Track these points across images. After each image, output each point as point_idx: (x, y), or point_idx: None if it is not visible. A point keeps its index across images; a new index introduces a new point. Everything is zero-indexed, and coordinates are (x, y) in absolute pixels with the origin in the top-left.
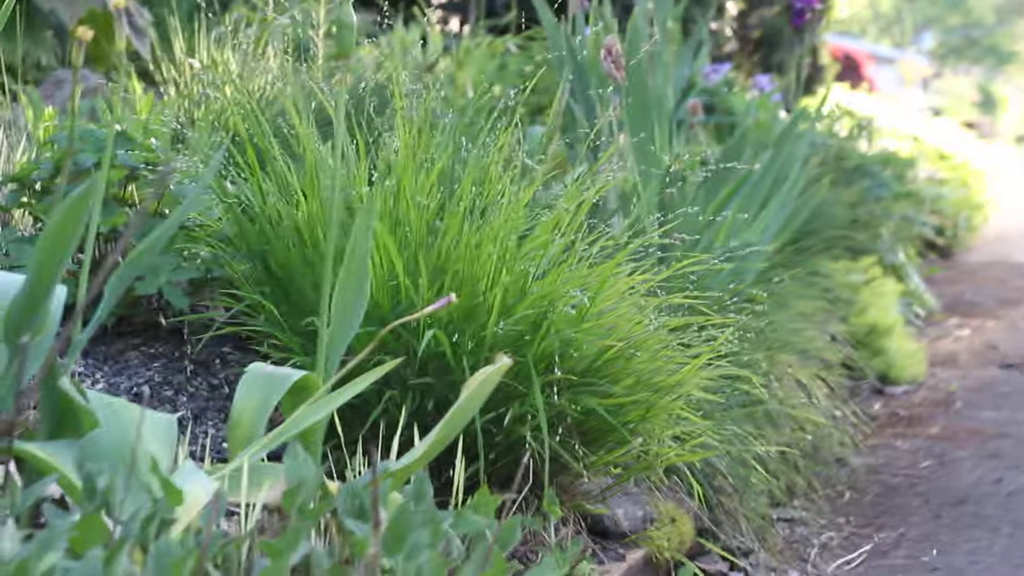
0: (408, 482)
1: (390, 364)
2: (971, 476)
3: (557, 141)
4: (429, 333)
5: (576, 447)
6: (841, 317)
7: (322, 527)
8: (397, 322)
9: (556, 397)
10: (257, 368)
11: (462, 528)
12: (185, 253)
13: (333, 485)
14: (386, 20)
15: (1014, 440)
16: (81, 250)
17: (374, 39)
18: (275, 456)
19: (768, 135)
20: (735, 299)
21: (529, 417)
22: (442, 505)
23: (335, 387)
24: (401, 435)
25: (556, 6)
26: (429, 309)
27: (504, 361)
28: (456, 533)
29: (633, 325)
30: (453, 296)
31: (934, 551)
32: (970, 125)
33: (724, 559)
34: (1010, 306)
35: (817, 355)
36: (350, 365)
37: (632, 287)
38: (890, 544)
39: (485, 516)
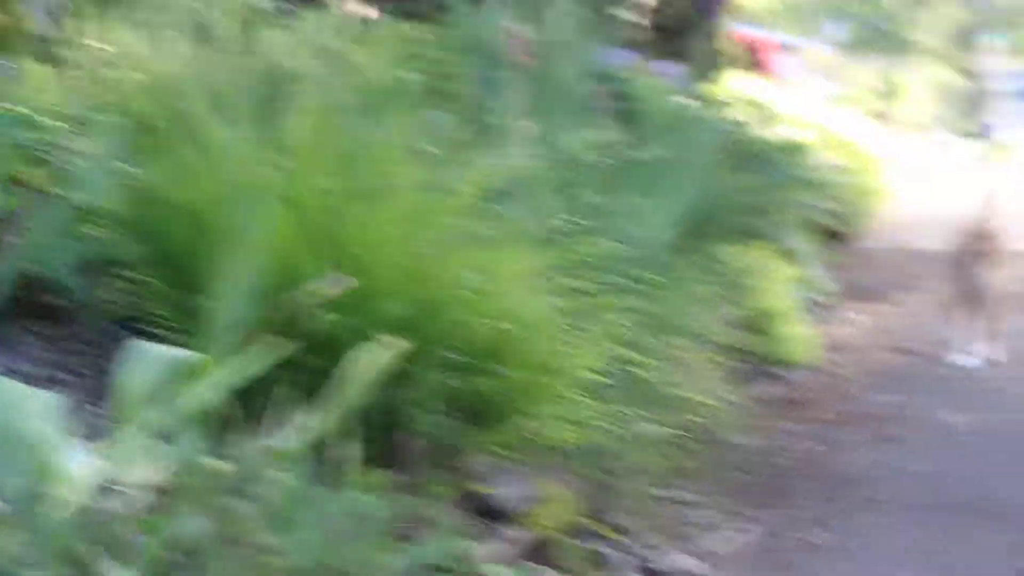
0: (297, 461)
1: (283, 347)
2: (862, 459)
3: (463, 127)
4: (324, 314)
5: (466, 427)
6: (737, 302)
7: (209, 506)
8: (291, 303)
9: (448, 378)
10: (142, 347)
11: (349, 507)
12: (82, 236)
13: (222, 465)
14: (296, 5)
15: (905, 424)
16: None
17: (283, 24)
18: (166, 436)
19: (671, 122)
20: (632, 283)
21: (421, 398)
22: (331, 484)
23: (227, 367)
24: (293, 416)
25: None
26: (324, 290)
27: (394, 341)
28: (343, 512)
29: (527, 308)
30: (347, 278)
31: (823, 532)
32: (871, 113)
33: (610, 539)
34: (905, 291)
35: (712, 339)
36: (243, 344)
37: (528, 271)
38: (779, 525)
39: (373, 495)
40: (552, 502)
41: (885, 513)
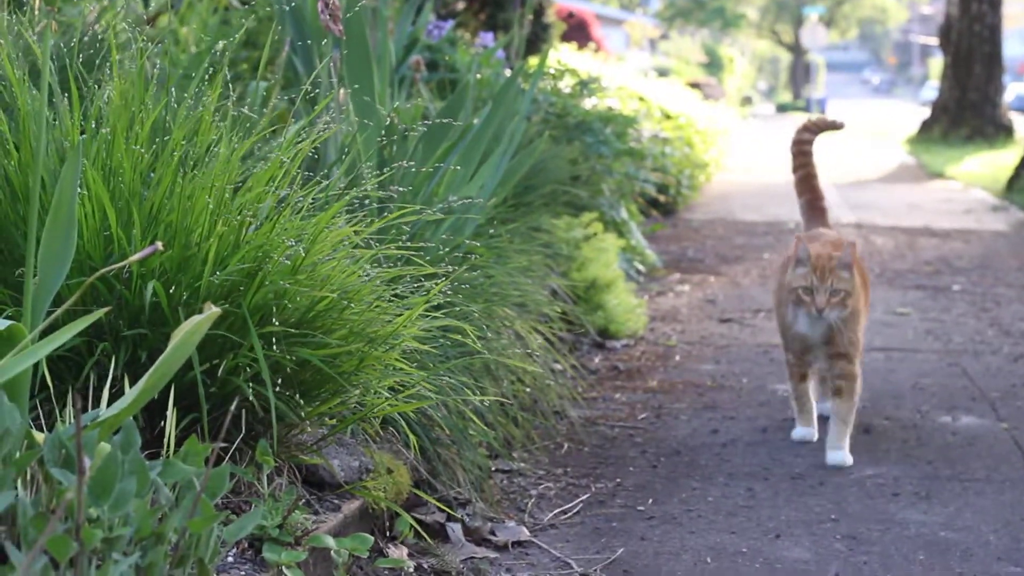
0: (118, 431)
1: (97, 313)
2: (688, 427)
3: (278, 96)
4: (143, 283)
5: (292, 398)
6: (562, 272)
7: (28, 477)
8: (105, 270)
9: (272, 348)
10: None
11: (171, 477)
12: None
13: (40, 436)
14: None
15: (730, 392)
16: None
17: None
18: None
19: (490, 92)
20: (453, 252)
21: (245, 368)
22: (157, 456)
23: (43, 337)
24: (113, 386)
25: None
26: (136, 257)
27: (213, 310)
28: (165, 482)
29: (347, 276)
30: (159, 244)
31: (650, 500)
32: (696, 86)
33: (441, 510)
34: (730, 263)
35: (536, 309)
36: (56, 314)
37: (347, 238)
38: (607, 494)
39: (195, 465)
40: (384, 473)
41: (711, 481)
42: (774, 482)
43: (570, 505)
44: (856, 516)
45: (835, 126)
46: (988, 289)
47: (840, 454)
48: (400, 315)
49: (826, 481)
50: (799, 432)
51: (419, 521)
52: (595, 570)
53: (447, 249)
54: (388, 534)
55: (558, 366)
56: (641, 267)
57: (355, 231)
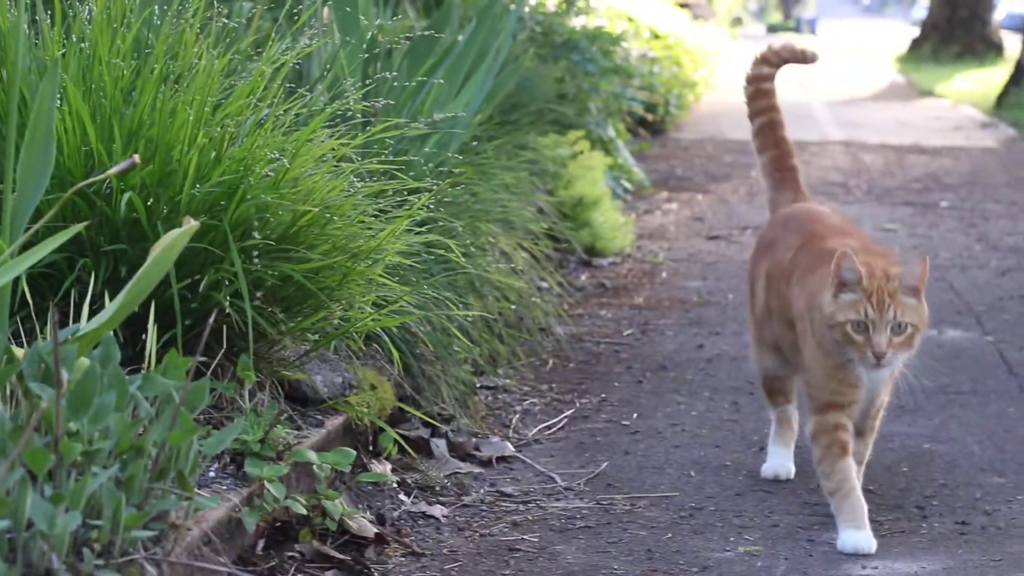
0: (98, 345)
1: (76, 227)
2: (673, 343)
3: (263, 14)
4: (124, 197)
5: (274, 313)
6: (548, 190)
7: (8, 393)
8: (83, 183)
9: (253, 262)
10: None
11: (151, 390)
12: None
13: (20, 351)
14: None
15: (716, 308)
16: None
17: None
18: None
19: (475, 9)
20: (438, 168)
21: (226, 283)
22: (137, 372)
23: (22, 252)
24: (94, 303)
25: None
26: (113, 170)
27: (192, 223)
28: (145, 396)
29: (330, 191)
30: (136, 157)
31: (635, 415)
32: (685, 6)
33: (426, 425)
34: (719, 181)
35: (522, 226)
36: (34, 228)
37: (330, 153)
38: (592, 409)
39: (175, 379)
40: (367, 389)
41: (695, 395)
42: (758, 396)
43: (555, 420)
44: None
45: (805, 58)
46: (976, 205)
47: (864, 536)
48: (383, 230)
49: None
50: (772, 463)
51: (403, 437)
52: (579, 484)
53: (432, 165)
54: (372, 450)
55: (544, 283)
56: (628, 185)
57: (339, 145)
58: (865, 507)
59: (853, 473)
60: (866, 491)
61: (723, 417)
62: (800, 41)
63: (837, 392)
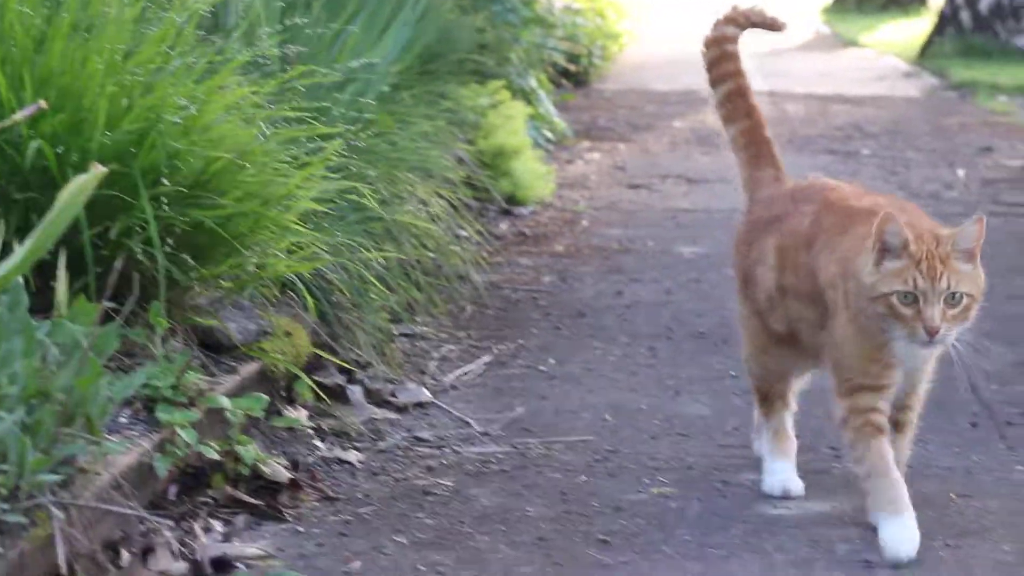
0: (6, 291)
1: None
2: (592, 290)
3: None
4: (33, 145)
5: (186, 260)
6: (468, 139)
7: None
8: None
9: (165, 209)
10: None
11: (59, 337)
12: None
13: None
14: None
15: (636, 255)
16: None
17: None
18: None
19: None
20: (355, 117)
21: (138, 230)
22: (43, 314)
23: None
24: (5, 251)
25: None
26: (19, 116)
27: (99, 168)
28: (54, 342)
29: (243, 137)
30: (43, 103)
31: (552, 361)
32: None
33: (342, 372)
34: (641, 131)
35: (440, 174)
36: None
37: (244, 99)
38: (509, 355)
39: (84, 325)
40: (282, 336)
41: (613, 341)
42: (676, 341)
43: (472, 366)
44: None
45: (775, 25)
46: (898, 153)
47: (906, 525)
48: (296, 177)
49: (729, 339)
50: (778, 479)
51: (319, 384)
52: (495, 429)
53: (348, 113)
54: (287, 397)
55: (463, 232)
56: (550, 135)
57: (252, 92)
58: (904, 488)
59: (890, 454)
60: None
61: (640, 362)
62: None
63: (871, 374)
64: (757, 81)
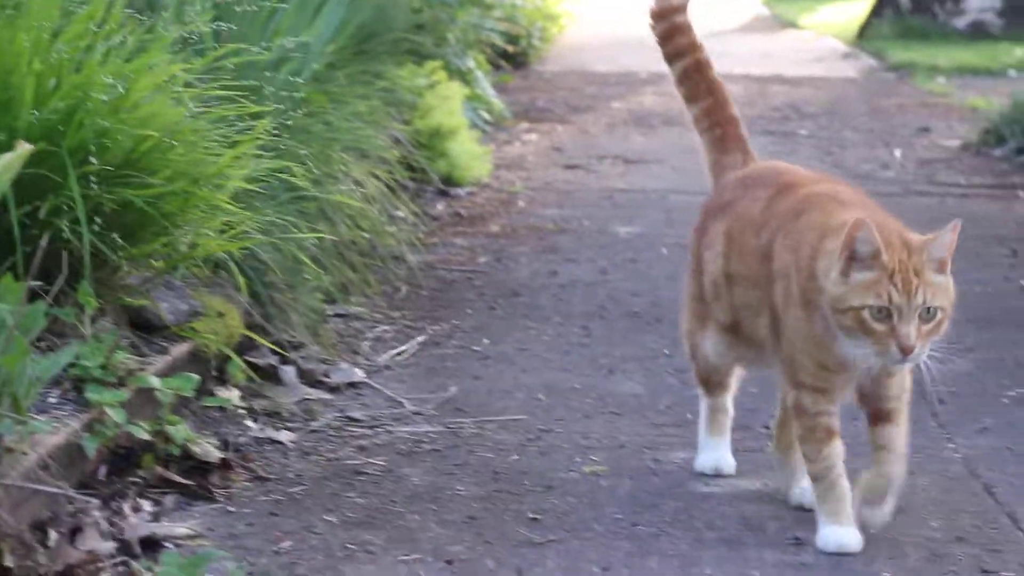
0: None
1: None
2: (527, 270)
3: None
4: None
5: (115, 240)
6: (404, 120)
7: None
8: None
9: (93, 188)
10: None
11: None
12: None
13: None
14: None
15: (572, 236)
16: None
17: None
18: None
19: None
20: (289, 96)
21: (66, 209)
22: None
23: None
24: None
25: None
26: None
27: (26, 147)
28: None
29: (172, 116)
30: None
31: (486, 340)
32: None
33: (275, 353)
34: (580, 112)
35: (376, 155)
36: None
37: (173, 78)
38: (443, 335)
39: (10, 304)
40: (214, 317)
41: (547, 321)
42: (611, 321)
43: (405, 347)
44: None
45: None
46: (835, 134)
47: (848, 533)
48: (227, 156)
49: (663, 318)
50: (710, 456)
51: (252, 364)
52: (428, 408)
53: (281, 92)
54: (220, 377)
55: (399, 212)
56: (488, 116)
57: (181, 71)
58: (850, 498)
59: (840, 460)
60: None
61: (573, 342)
62: None
63: (819, 376)
64: None
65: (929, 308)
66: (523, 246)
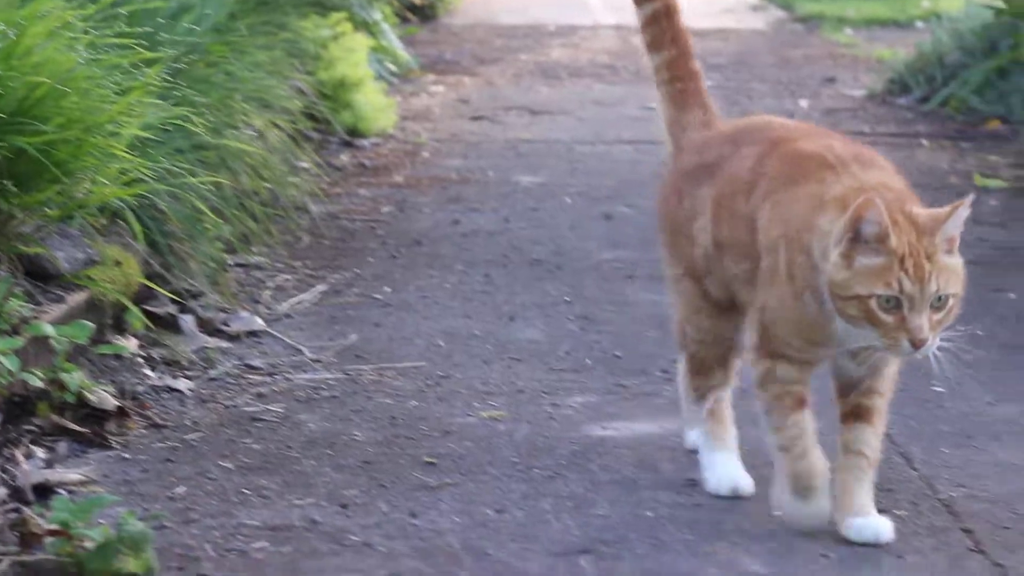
0: None
1: None
2: (430, 220)
3: None
4: None
5: (8, 187)
6: (308, 71)
7: None
8: None
9: None
10: None
11: None
12: None
13: None
14: None
15: (475, 185)
16: None
17: None
18: None
19: None
20: (188, 44)
21: None
22: None
23: None
24: None
25: None
26: None
27: None
28: None
29: (65, 63)
30: None
31: (387, 289)
32: None
33: (174, 302)
34: (487, 64)
35: (279, 105)
36: None
37: (67, 24)
38: (345, 284)
39: None
40: (112, 266)
41: (449, 269)
42: (512, 268)
43: (306, 296)
44: (591, 299)
45: None
46: (742, 84)
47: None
48: (122, 103)
49: (564, 266)
50: (722, 473)
51: (151, 313)
52: (327, 356)
53: (182, 39)
54: (118, 326)
55: (303, 163)
56: (394, 68)
57: (75, 17)
58: (824, 471)
59: (811, 428)
60: (612, 357)
61: (475, 289)
62: None
63: (798, 348)
64: (605, 15)
65: (941, 296)
66: (426, 196)
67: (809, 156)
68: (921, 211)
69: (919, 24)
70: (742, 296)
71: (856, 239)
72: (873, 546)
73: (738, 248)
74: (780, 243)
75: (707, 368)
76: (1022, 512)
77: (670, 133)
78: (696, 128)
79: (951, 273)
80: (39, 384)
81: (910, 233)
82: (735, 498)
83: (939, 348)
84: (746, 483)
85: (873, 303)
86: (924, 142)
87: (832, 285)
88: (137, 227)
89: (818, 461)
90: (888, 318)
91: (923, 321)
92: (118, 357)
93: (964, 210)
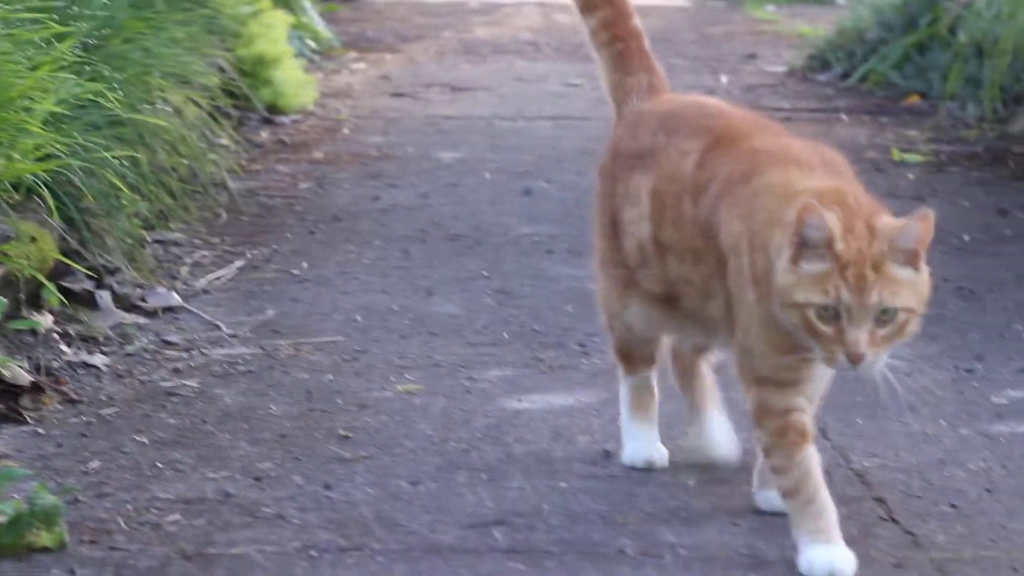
0: None
1: None
2: (349, 195)
3: None
4: None
5: None
6: (227, 47)
7: None
8: None
9: None
10: None
11: None
12: None
13: None
14: None
15: (395, 162)
16: None
17: None
18: None
19: None
20: (101, 19)
21: None
22: None
23: None
24: None
25: None
26: None
27: None
28: None
29: None
30: None
31: (305, 264)
32: None
33: (91, 278)
34: (410, 42)
35: (197, 82)
36: None
37: None
38: (262, 260)
39: None
40: (27, 242)
41: (367, 244)
42: (431, 244)
43: (224, 271)
44: (509, 273)
45: None
46: (662, 61)
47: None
48: (32, 78)
49: (483, 241)
50: (639, 445)
51: (67, 290)
52: (244, 331)
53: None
54: (34, 302)
55: (221, 139)
56: (314, 45)
57: None
58: (834, 511)
59: (817, 466)
60: (530, 331)
61: (393, 264)
62: None
63: (782, 367)
64: None
65: (887, 309)
66: (346, 172)
67: (768, 152)
68: (884, 219)
69: (840, 0)
70: (689, 302)
71: (802, 243)
72: (783, 515)
73: (686, 253)
74: (743, 242)
75: (633, 355)
76: (934, 482)
77: (613, 99)
78: (641, 93)
79: (903, 286)
80: None
81: (862, 240)
82: (649, 470)
83: (889, 368)
84: (661, 456)
85: (811, 312)
86: (843, 117)
87: (777, 290)
88: (52, 203)
89: (829, 503)
90: (826, 329)
91: (860, 335)
92: (33, 333)
93: (919, 223)
